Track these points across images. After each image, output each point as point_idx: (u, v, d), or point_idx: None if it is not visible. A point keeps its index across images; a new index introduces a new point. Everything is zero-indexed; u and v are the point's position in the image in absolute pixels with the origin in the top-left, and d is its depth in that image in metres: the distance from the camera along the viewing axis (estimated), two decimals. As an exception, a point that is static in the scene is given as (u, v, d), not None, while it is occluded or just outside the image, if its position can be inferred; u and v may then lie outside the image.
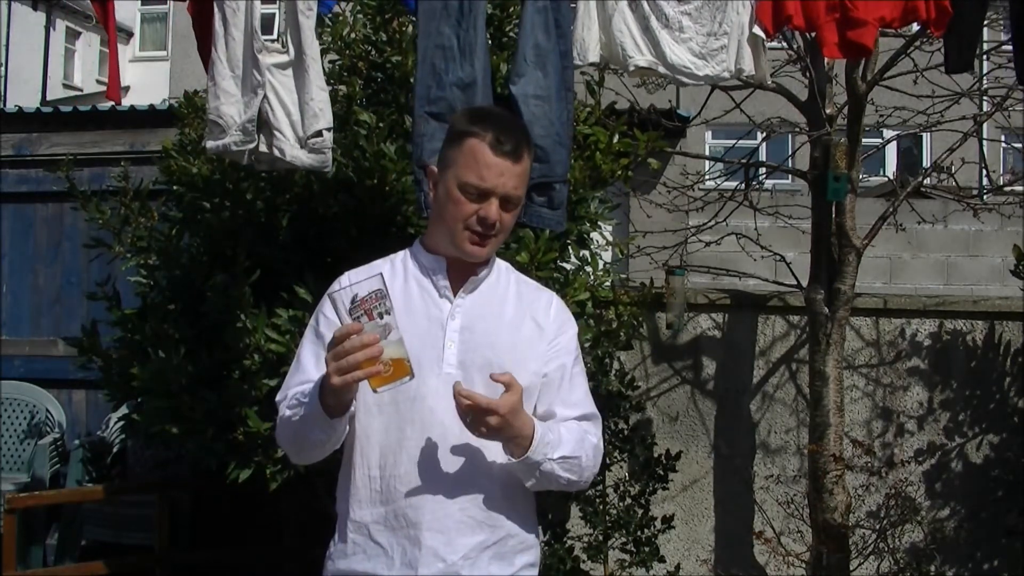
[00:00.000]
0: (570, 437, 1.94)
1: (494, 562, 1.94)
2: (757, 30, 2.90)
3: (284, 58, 2.75)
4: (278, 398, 2.04)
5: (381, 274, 1.78)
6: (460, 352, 1.93)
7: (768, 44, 3.06)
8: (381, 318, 1.74)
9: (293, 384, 2.00)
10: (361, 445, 1.97)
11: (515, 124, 2.09)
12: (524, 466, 1.88)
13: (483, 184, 1.91)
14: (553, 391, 2.00)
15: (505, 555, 1.96)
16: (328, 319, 1.98)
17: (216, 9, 2.75)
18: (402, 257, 2.06)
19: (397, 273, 2.02)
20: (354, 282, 1.92)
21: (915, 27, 3.21)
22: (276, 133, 2.74)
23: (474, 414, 1.80)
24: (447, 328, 1.95)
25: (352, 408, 1.91)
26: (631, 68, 2.98)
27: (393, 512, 1.92)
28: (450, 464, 1.91)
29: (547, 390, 1.99)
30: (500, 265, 2.09)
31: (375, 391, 1.78)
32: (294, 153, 2.75)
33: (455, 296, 1.98)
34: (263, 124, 2.74)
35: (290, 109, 2.74)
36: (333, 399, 1.82)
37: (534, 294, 2.08)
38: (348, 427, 1.98)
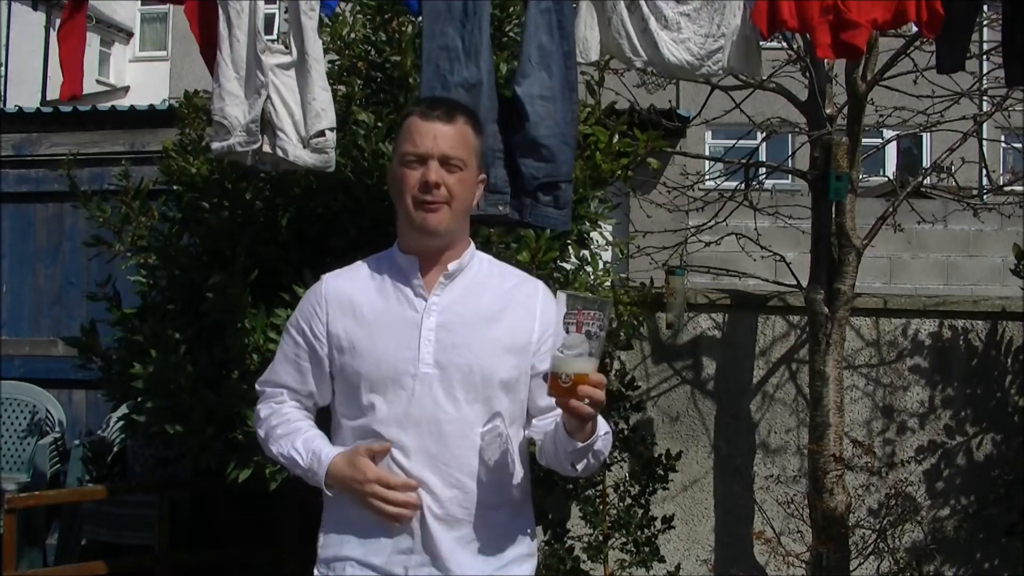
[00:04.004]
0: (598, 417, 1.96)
1: (478, 557, 1.95)
2: (753, 32, 2.92)
3: (287, 58, 2.76)
4: (258, 387, 2.14)
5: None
6: (436, 351, 1.94)
7: (768, 44, 3.08)
8: (589, 337, 1.78)
9: (268, 383, 2.12)
10: (347, 440, 2.00)
11: (453, 101, 2.19)
12: (585, 448, 1.89)
13: (418, 149, 1.96)
14: None
15: (490, 550, 1.97)
16: (302, 329, 2.06)
17: (220, 11, 2.75)
18: (384, 257, 2.08)
19: (376, 274, 2.04)
20: (331, 285, 2.05)
21: (914, 27, 3.23)
22: (279, 133, 2.74)
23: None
24: (422, 327, 1.95)
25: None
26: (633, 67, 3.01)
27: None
28: (428, 462, 1.93)
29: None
30: (482, 258, 2.10)
31: (549, 395, 1.84)
32: (297, 153, 2.75)
33: (430, 294, 1.98)
34: (266, 125, 2.75)
35: (293, 109, 2.75)
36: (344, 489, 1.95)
37: (516, 285, 2.07)
38: (338, 421, 2.04)
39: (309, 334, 2.04)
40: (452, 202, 1.96)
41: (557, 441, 1.92)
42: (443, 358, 1.93)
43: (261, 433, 2.10)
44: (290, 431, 2.03)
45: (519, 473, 2.03)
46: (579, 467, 1.93)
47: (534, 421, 2.04)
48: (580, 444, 1.87)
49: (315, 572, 2.04)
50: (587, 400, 1.78)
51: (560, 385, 1.78)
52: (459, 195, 1.97)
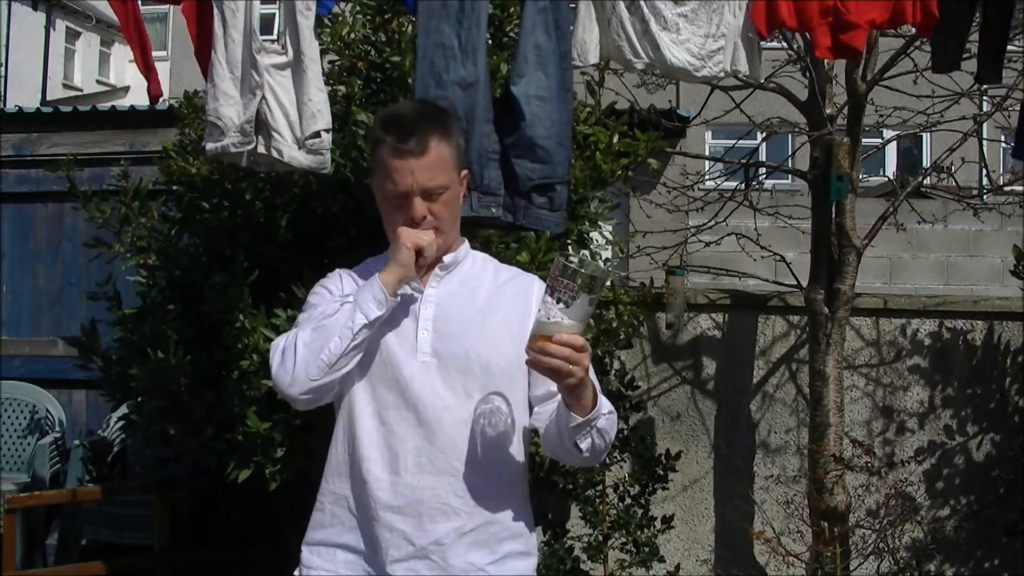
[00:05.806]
0: (599, 395, 1.94)
1: (474, 549, 1.95)
2: (753, 32, 2.92)
3: (282, 59, 2.75)
4: (287, 339, 1.97)
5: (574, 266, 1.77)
6: (433, 340, 1.97)
7: (768, 44, 3.08)
8: (558, 302, 1.78)
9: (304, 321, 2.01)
10: (346, 422, 2.01)
11: (419, 116, 2.02)
12: (586, 424, 1.87)
13: (398, 188, 1.96)
14: None
15: (486, 542, 1.96)
16: (329, 288, 2.07)
17: (215, 10, 2.75)
18: (382, 258, 2.10)
19: (374, 271, 2.05)
20: (343, 271, 2.09)
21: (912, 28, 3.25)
22: (274, 134, 2.73)
23: (573, 358, 1.78)
24: (420, 318, 1.99)
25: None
26: (633, 69, 3.01)
27: (365, 493, 1.95)
28: (423, 451, 1.93)
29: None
30: (477, 256, 2.13)
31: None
32: (292, 154, 2.74)
33: (426, 286, 2.02)
34: (261, 125, 2.74)
35: (288, 110, 2.74)
36: (406, 269, 1.91)
37: (511, 278, 2.10)
38: (337, 414, 2.03)
39: (335, 291, 2.05)
40: (440, 224, 1.99)
41: (559, 419, 1.91)
42: (441, 347, 1.96)
43: (289, 359, 1.90)
44: (327, 315, 1.94)
45: (518, 466, 2.03)
46: (583, 446, 1.90)
47: (536, 409, 2.04)
48: (580, 418, 1.86)
49: None
50: (549, 357, 1.77)
51: (529, 344, 1.81)
52: (445, 216, 2.00)
